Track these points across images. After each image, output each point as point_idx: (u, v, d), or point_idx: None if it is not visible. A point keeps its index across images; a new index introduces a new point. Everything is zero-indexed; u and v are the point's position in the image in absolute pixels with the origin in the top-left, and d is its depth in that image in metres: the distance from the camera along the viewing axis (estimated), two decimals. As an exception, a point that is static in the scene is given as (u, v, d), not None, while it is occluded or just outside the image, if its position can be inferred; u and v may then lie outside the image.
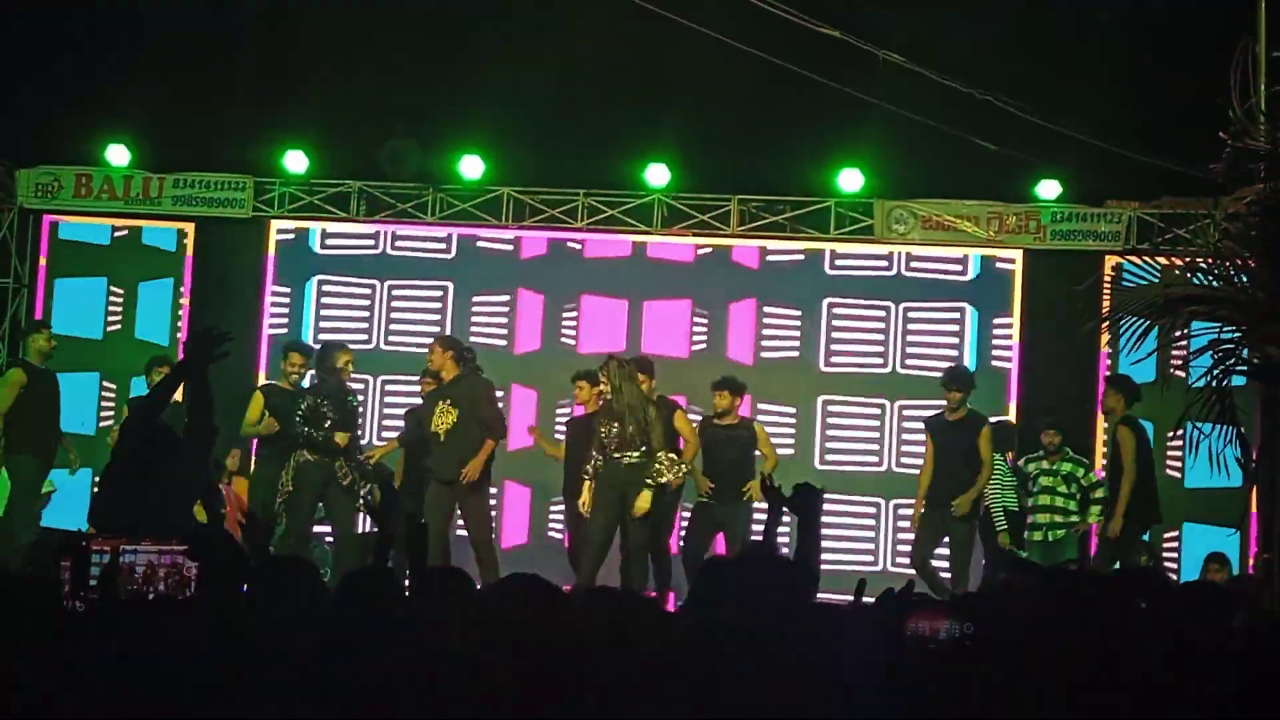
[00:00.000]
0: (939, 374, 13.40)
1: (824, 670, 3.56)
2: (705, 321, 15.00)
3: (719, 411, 12.82)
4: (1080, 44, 13.88)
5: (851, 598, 5.25)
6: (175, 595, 5.60)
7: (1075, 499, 13.49)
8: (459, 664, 3.19)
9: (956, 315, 14.82)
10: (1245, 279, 9.64)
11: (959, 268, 14.91)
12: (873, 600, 4.70)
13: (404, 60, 14.86)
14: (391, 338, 15.14)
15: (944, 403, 12.94)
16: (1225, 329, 9.74)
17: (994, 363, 14.66)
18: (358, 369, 13.14)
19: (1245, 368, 9.74)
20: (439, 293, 15.19)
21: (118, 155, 15.31)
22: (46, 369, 12.90)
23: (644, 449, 11.83)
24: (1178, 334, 10.21)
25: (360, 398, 13.21)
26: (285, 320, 15.12)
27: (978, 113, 13.43)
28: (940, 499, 12.72)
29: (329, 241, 15.34)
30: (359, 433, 12.96)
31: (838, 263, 15.03)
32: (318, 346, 13.17)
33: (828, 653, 3.62)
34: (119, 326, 15.30)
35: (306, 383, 12.76)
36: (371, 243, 15.31)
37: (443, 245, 15.30)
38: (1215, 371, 9.50)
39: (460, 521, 12.28)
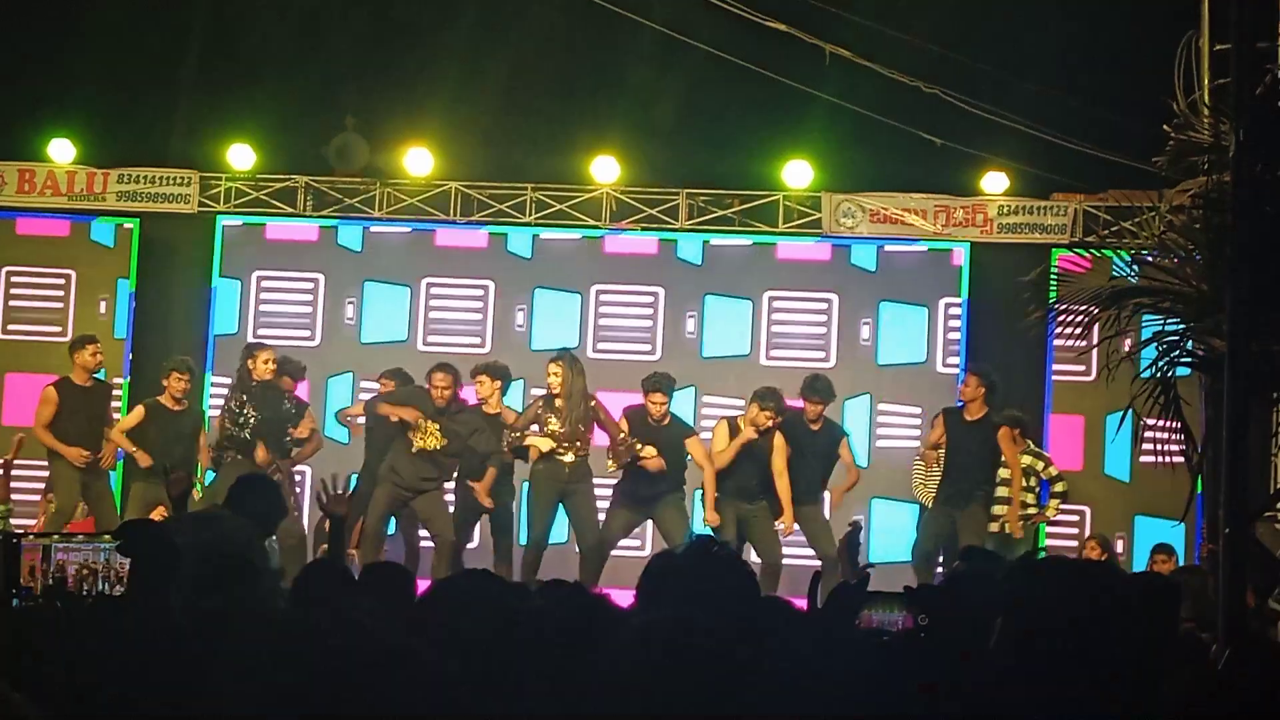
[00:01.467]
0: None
1: (777, 665, 3.57)
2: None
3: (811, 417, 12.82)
4: (1026, 38, 13.95)
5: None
6: (109, 592, 5.55)
7: (1034, 491, 13.58)
8: (408, 661, 3.18)
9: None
10: (1189, 271, 9.71)
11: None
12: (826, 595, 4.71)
13: (351, 55, 14.83)
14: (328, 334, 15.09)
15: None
16: (1169, 321, 9.80)
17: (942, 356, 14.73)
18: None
19: (1189, 359, 9.80)
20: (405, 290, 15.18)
21: (61, 150, 15.19)
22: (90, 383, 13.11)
23: (578, 445, 12.07)
24: (1122, 327, 10.27)
25: (292, 401, 13.13)
26: (232, 317, 15.05)
27: (925, 106, 13.50)
28: (949, 496, 12.75)
29: (278, 235, 15.26)
30: (289, 433, 12.97)
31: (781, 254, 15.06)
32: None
33: (782, 648, 3.63)
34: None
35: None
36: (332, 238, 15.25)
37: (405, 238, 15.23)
38: (1160, 364, 9.56)
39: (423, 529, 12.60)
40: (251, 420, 12.48)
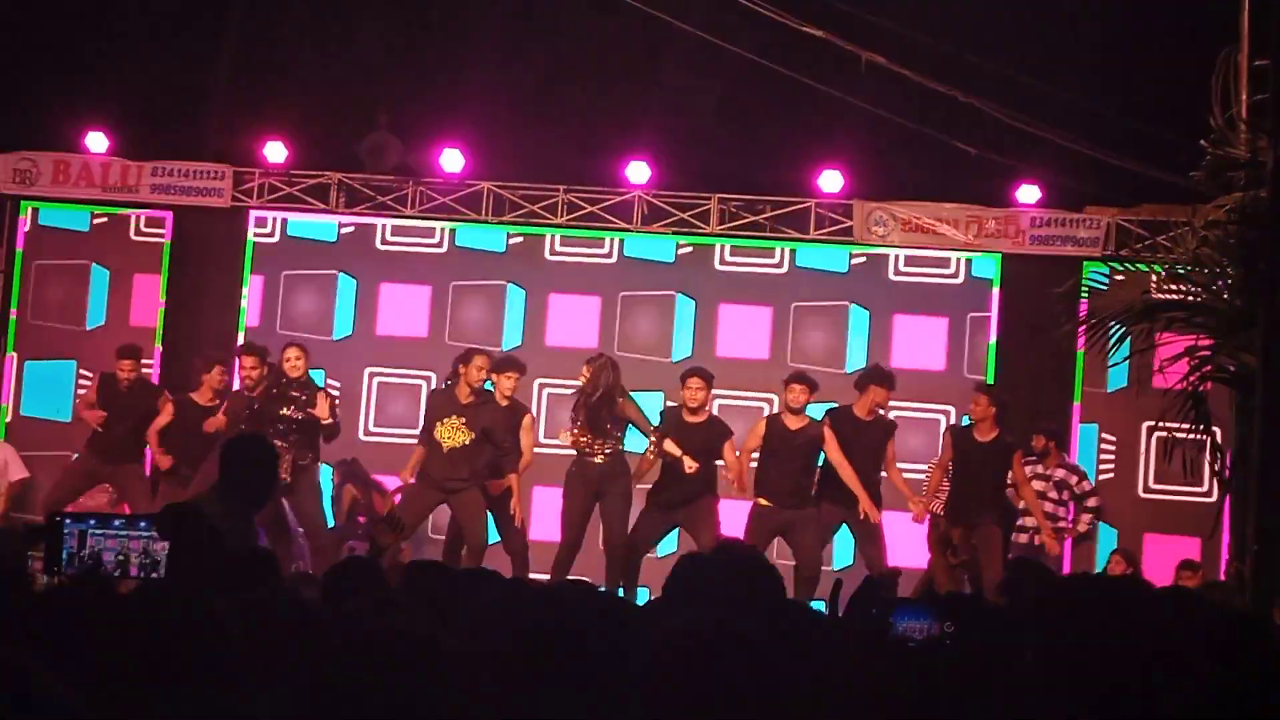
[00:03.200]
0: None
1: (805, 670, 3.56)
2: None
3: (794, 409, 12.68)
4: (1063, 49, 13.92)
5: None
6: (146, 578, 5.54)
7: (1065, 505, 13.52)
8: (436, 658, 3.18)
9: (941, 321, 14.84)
10: (1222, 286, 9.69)
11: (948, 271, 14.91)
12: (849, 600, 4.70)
13: (386, 52, 14.85)
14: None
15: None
16: (1201, 336, 9.78)
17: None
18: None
19: (1221, 375, 9.78)
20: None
21: (97, 142, 15.26)
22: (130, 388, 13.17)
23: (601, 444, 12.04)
24: (1154, 340, 10.25)
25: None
26: (260, 311, 15.11)
27: (959, 116, 13.47)
28: (954, 515, 12.63)
29: (311, 234, 15.32)
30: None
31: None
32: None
33: (811, 652, 3.62)
34: (103, 317, 15.28)
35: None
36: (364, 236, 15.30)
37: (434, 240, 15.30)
38: (1191, 378, 9.54)
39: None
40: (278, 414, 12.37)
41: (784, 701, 3.14)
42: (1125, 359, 11.15)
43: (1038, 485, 13.41)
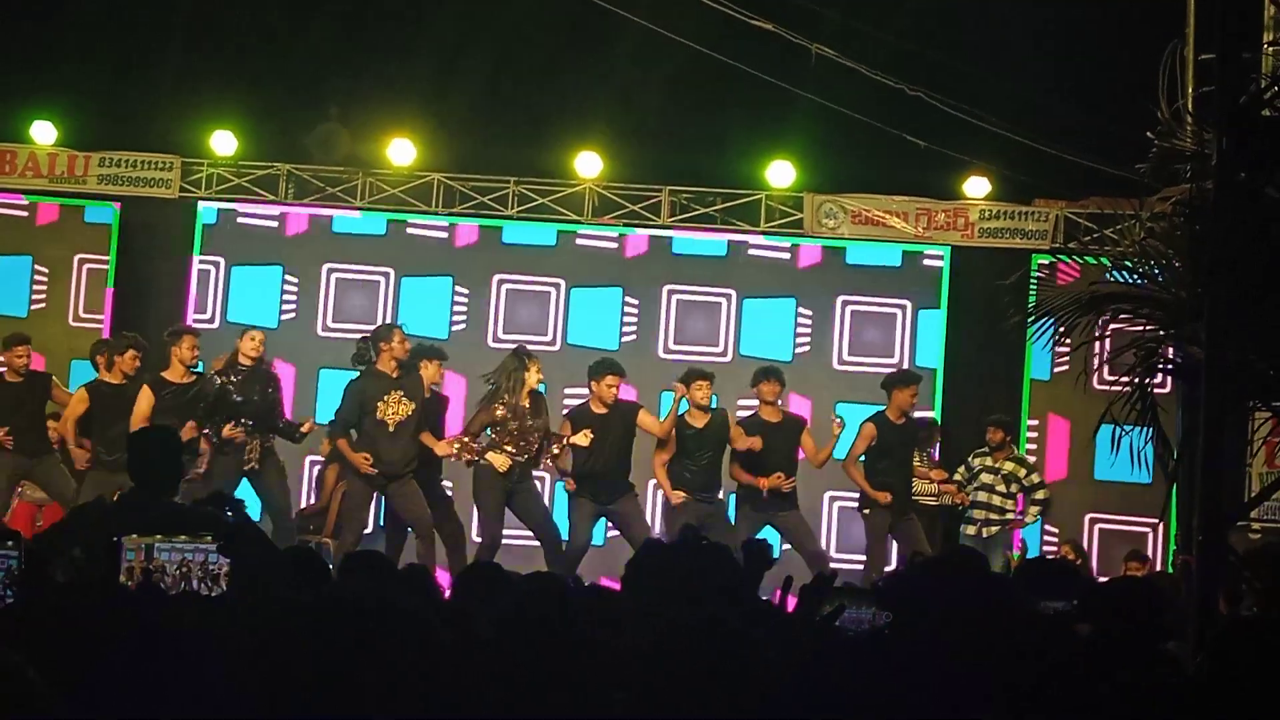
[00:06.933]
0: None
1: (757, 662, 3.57)
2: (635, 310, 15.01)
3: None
4: (1011, 43, 13.95)
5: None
6: (208, 593, 5.53)
7: (1014, 498, 13.61)
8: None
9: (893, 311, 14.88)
10: (1168, 279, 9.72)
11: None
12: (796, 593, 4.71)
13: (335, 43, 14.77)
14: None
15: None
16: (1148, 328, 9.81)
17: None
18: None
19: (1167, 366, 9.82)
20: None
21: (43, 132, 15.14)
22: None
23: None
24: (1100, 332, 10.29)
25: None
26: (211, 302, 15.04)
27: (908, 108, 13.49)
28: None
29: (252, 222, 15.25)
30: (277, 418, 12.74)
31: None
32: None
33: (761, 644, 3.63)
34: (44, 304, 15.17)
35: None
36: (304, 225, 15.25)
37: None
38: (1137, 370, 9.57)
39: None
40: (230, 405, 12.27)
41: (724, 694, 3.15)
42: (1073, 351, 11.18)
43: (986, 478, 13.52)
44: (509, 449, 12.09)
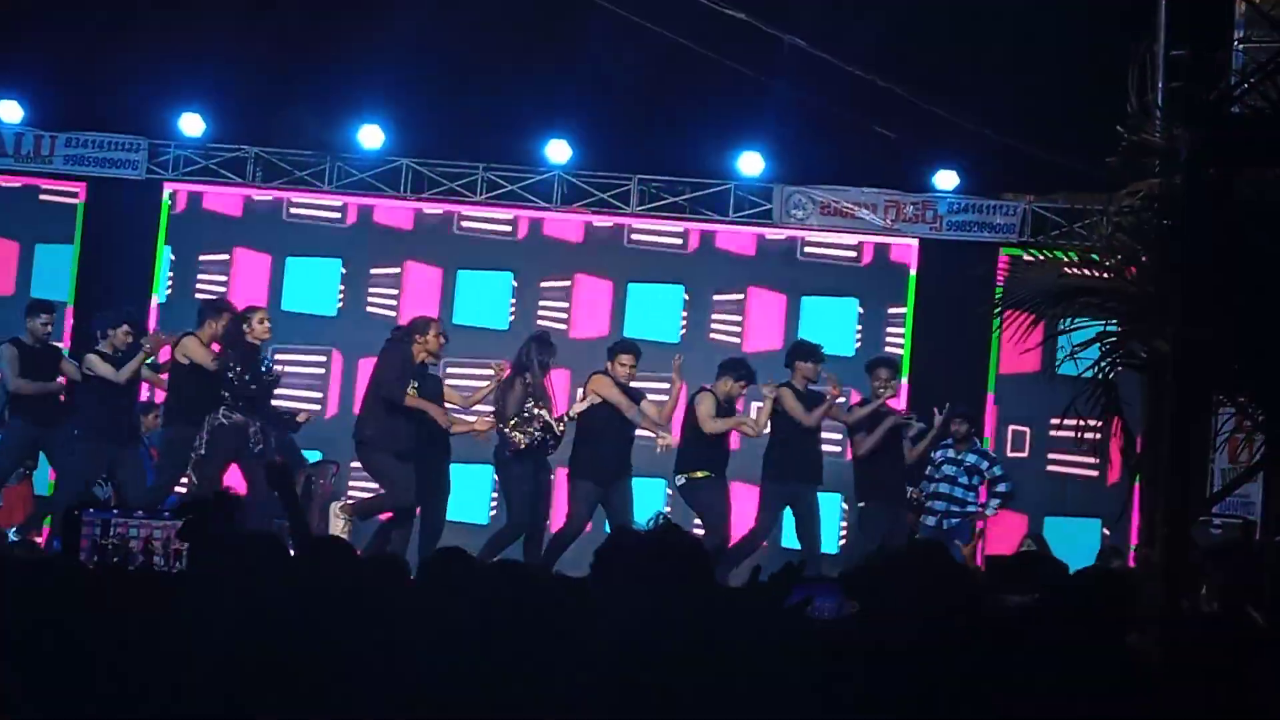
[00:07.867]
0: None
1: (725, 651, 3.57)
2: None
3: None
4: (981, 36, 13.97)
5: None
6: (169, 569, 5.52)
7: (975, 490, 13.68)
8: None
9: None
10: (1135, 272, 9.73)
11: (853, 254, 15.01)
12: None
13: (304, 25, 14.70)
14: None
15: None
16: (1113, 322, 9.82)
17: (886, 350, 14.72)
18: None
19: (1132, 361, 9.84)
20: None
21: (9, 111, 15.06)
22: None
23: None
24: (1066, 326, 10.30)
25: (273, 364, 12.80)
26: (173, 283, 15.02)
27: (878, 100, 13.50)
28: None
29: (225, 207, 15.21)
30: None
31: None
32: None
33: (729, 633, 3.64)
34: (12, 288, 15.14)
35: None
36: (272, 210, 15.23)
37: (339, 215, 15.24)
38: (1102, 364, 9.58)
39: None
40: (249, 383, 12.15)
41: (689, 684, 3.15)
42: (1038, 344, 11.21)
43: (949, 470, 13.57)
44: (530, 430, 12.10)
